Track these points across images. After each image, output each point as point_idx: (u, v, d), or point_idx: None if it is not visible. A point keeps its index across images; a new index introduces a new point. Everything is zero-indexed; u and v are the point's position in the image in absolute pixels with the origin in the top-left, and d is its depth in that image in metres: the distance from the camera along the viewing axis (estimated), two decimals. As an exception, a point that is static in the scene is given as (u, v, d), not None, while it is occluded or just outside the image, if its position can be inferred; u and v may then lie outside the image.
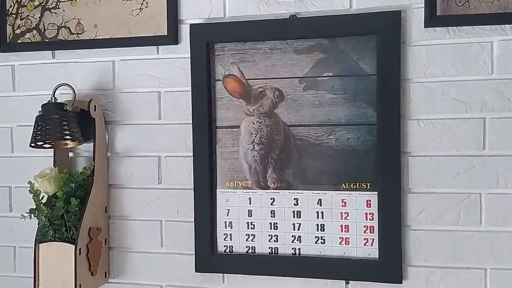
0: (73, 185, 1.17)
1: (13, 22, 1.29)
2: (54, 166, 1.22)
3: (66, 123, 1.15)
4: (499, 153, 1.05)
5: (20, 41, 1.30)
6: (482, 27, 1.05)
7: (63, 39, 1.26)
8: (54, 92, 1.17)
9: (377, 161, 1.08)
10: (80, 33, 1.26)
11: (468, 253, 1.07)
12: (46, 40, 1.27)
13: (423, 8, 1.06)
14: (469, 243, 1.06)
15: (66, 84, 1.19)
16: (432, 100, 1.08)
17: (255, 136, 1.15)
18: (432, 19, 1.05)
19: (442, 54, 1.07)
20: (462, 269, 1.07)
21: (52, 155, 1.23)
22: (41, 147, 1.18)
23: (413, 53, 1.08)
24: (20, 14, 1.30)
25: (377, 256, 1.09)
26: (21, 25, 1.30)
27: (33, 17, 1.29)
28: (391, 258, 1.08)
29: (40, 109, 1.16)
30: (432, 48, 1.07)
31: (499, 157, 1.05)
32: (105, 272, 1.24)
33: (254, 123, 1.15)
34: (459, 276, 1.07)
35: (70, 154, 1.28)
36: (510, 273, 1.05)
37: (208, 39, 1.16)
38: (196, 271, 1.18)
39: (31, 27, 1.30)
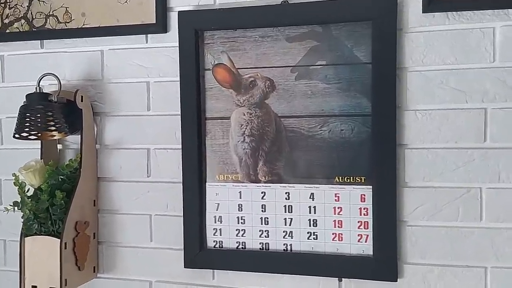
0: (59, 177, 1.15)
1: (1, 11, 1.27)
2: (41, 158, 1.19)
3: (51, 113, 1.11)
4: (501, 146, 0.99)
5: (9, 31, 1.27)
6: (483, 11, 0.99)
7: (51, 28, 1.23)
8: (39, 82, 1.14)
9: (372, 154, 1.04)
10: (68, 22, 1.22)
11: (468, 251, 1.01)
12: (34, 29, 1.24)
13: (421, -8, 1.02)
14: (469, 240, 1.01)
15: (51, 74, 1.16)
16: (430, 90, 1.02)
17: (246, 128, 1.11)
18: (431, 4, 0.99)
19: (441, 41, 1.02)
20: (461, 267, 1.02)
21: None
22: (26, 138, 1.14)
23: (411, 40, 1.03)
24: (8, 3, 1.27)
25: (372, 253, 1.04)
26: (9, 15, 1.27)
27: (21, 6, 1.26)
28: (386, 255, 1.03)
29: (25, 99, 1.14)
30: (431, 35, 1.02)
31: (500, 150, 1.00)
32: (94, 267, 1.20)
33: (244, 114, 1.11)
34: (458, 274, 1.02)
35: (59, 146, 1.25)
36: (511, 272, 1.00)
37: (197, 27, 1.11)
38: (185, 267, 1.14)
39: (20, 16, 1.27)
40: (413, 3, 1.02)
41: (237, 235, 1.13)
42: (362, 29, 1.04)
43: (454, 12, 1.01)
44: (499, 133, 1.00)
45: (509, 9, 0.99)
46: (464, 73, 1.01)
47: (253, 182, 1.11)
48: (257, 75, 1.10)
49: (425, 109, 1.03)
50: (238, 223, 1.13)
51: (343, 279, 1.08)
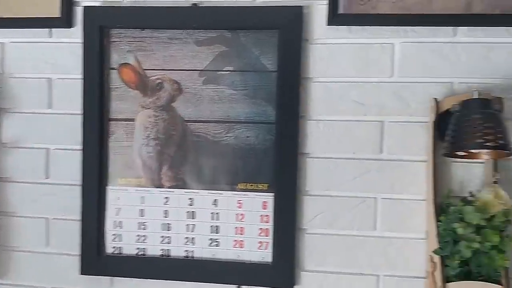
0: None
1: None
2: None
3: None
4: (396, 158, 1.03)
5: None
6: (384, 28, 1.03)
7: None
8: None
9: (275, 162, 1.04)
10: (-33, 11, 1.15)
11: (362, 259, 1.04)
12: None
13: (326, 5, 1.02)
14: (363, 249, 1.04)
15: None
16: (332, 101, 1.04)
17: (151, 131, 1.08)
18: (335, 17, 1.02)
19: (343, 54, 1.04)
20: (355, 275, 1.04)
21: None
22: None
23: (315, 51, 1.04)
24: None
25: (271, 260, 1.04)
26: None
27: None
28: (284, 262, 1.04)
29: None
30: (334, 47, 1.04)
31: (395, 162, 1.03)
32: (-15, 273, 1.15)
33: (150, 117, 1.08)
34: (352, 282, 1.04)
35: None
36: (402, 280, 1.03)
37: (103, 24, 1.07)
38: (81, 274, 1.09)
39: None
40: (319, 15, 1.04)
41: (137, 241, 1.09)
42: (269, 38, 1.04)
43: (356, 26, 1.03)
44: (395, 145, 1.03)
45: (408, 26, 1.03)
46: (364, 86, 1.04)
47: (157, 187, 1.08)
48: (165, 77, 1.08)
49: (327, 119, 1.05)
50: (139, 229, 1.09)
51: (242, 286, 1.07)
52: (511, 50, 1.00)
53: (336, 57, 1.04)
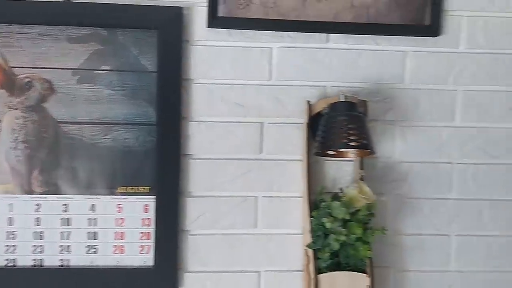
0: None
1: None
2: None
3: None
4: (275, 158, 1.07)
5: None
6: (263, 32, 1.06)
7: None
8: None
9: (157, 164, 1.02)
10: None
11: (243, 256, 1.07)
12: None
13: (206, 8, 1.02)
14: (245, 246, 1.07)
15: None
16: (213, 102, 1.05)
17: (19, 133, 1.00)
18: (214, 20, 1.02)
19: (223, 56, 1.05)
20: (237, 273, 1.07)
21: None
22: None
23: (196, 52, 1.04)
24: None
25: (153, 264, 1.03)
26: None
27: None
28: (166, 265, 1.03)
29: None
30: (214, 49, 1.05)
31: (274, 162, 1.07)
32: None
33: (18, 118, 1.00)
34: (234, 279, 1.06)
35: None
36: (281, 274, 1.07)
37: (-38, 16, 0.98)
38: None
39: None
40: (199, 17, 1.04)
41: (6, 252, 1.00)
42: (148, 37, 1.02)
43: (236, 30, 1.05)
44: (273, 146, 1.07)
45: (285, 32, 1.07)
46: (244, 88, 1.06)
47: (27, 193, 1.00)
48: (34, 75, 1.00)
49: (209, 120, 1.05)
50: (8, 239, 1.01)
51: (123, 292, 1.06)
52: (377, 57, 1.09)
53: (216, 59, 1.05)
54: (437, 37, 1.08)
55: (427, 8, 1.08)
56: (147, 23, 1.01)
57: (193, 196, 1.06)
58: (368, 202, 0.96)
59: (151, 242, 1.04)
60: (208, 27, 1.03)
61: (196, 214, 1.06)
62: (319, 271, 0.97)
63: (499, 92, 1.11)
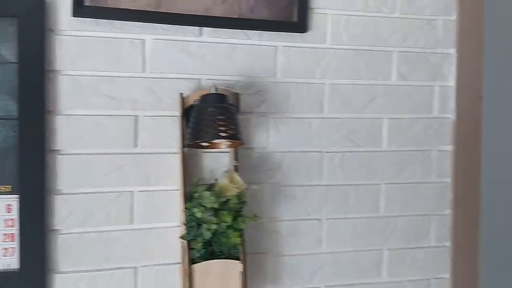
0: None
1: None
2: None
3: None
4: (150, 151, 1.06)
5: None
6: (135, 23, 1.04)
7: None
8: None
9: (20, 161, 0.96)
10: None
11: (119, 253, 1.04)
12: None
13: (72, -5, 1.00)
14: (120, 243, 1.04)
15: None
16: (83, 95, 1.01)
17: None
18: (80, 9, 0.98)
19: (93, 47, 1.02)
20: (112, 270, 1.04)
21: None
22: None
23: (61, 42, 1.00)
24: None
25: (18, 267, 0.96)
26: None
27: None
28: (33, 267, 0.97)
29: None
30: (82, 40, 1.01)
31: (150, 155, 1.06)
32: None
33: None
34: (108, 277, 1.04)
35: None
36: (159, 268, 1.06)
37: None
38: None
39: None
40: (64, 5, 0.99)
41: None
42: (8, 26, 0.95)
43: (105, 20, 1.02)
44: (149, 139, 1.06)
45: (158, 24, 1.05)
46: (115, 81, 1.04)
47: None
48: None
49: (78, 114, 1.01)
50: None
51: (-17, 300, 0.98)
52: (250, 51, 1.12)
53: (85, 50, 1.01)
54: (305, 34, 1.15)
55: (295, 6, 1.14)
56: (5, 11, 0.94)
57: (63, 194, 1.00)
58: (239, 190, 0.98)
59: (15, 244, 0.97)
60: (74, 16, 0.99)
61: (66, 212, 1.01)
62: (193, 261, 0.98)
63: (361, 85, 1.21)
